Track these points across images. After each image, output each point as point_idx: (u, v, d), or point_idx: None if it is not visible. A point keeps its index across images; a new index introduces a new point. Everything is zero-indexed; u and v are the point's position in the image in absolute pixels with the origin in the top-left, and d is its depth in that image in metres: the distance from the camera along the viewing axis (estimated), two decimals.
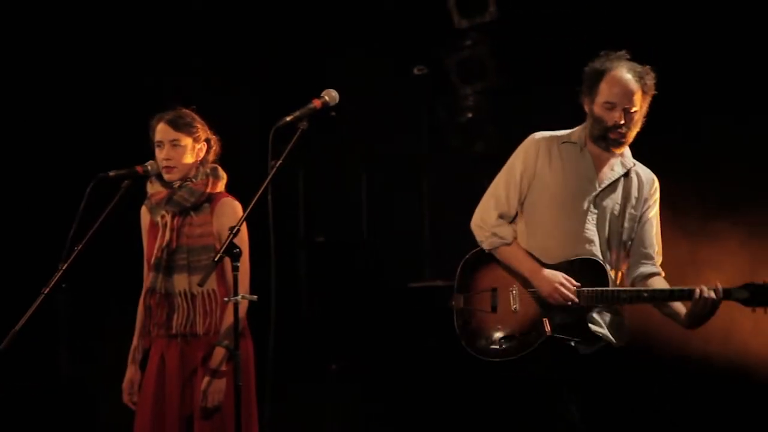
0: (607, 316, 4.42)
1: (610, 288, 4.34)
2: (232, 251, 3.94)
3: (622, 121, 4.35)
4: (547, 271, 4.40)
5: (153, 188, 4.71)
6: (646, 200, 4.49)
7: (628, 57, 4.42)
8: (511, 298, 4.49)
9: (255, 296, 4.19)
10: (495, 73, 6.64)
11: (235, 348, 4.14)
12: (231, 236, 3.90)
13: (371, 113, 6.83)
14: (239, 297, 4.05)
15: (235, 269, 3.99)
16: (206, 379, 4.53)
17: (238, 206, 4.66)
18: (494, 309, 4.50)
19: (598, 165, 4.48)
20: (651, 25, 6.02)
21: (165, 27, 6.76)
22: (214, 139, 4.75)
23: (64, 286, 4.23)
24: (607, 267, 4.38)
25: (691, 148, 6.05)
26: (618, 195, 4.46)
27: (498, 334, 4.47)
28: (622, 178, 4.47)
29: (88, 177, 4.42)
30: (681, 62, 5.81)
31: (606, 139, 4.40)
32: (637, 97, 4.36)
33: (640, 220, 4.48)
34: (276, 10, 6.83)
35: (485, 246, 4.55)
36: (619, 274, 4.50)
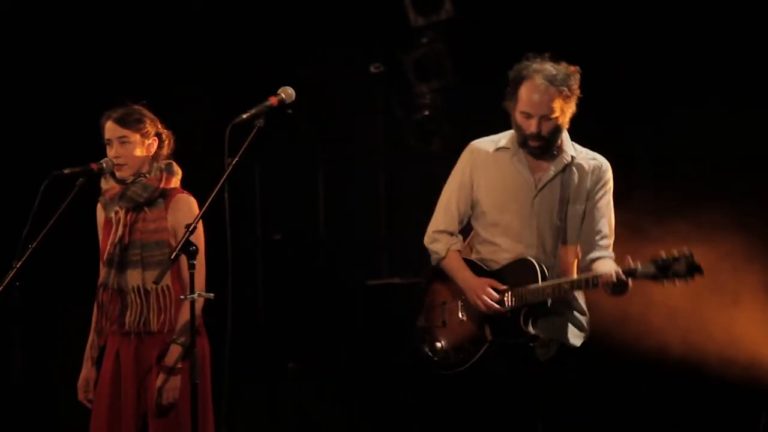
0: (556, 318, 4.44)
1: (535, 285, 4.34)
2: (189, 249, 3.94)
3: (538, 131, 4.35)
4: (475, 280, 4.46)
5: (107, 184, 4.69)
6: (591, 191, 4.48)
7: (553, 58, 4.39)
8: (459, 310, 4.54)
9: (212, 294, 4.19)
10: (451, 71, 6.66)
11: (191, 346, 4.13)
12: (187, 234, 3.90)
13: (328, 111, 6.83)
14: (195, 295, 4.04)
15: (191, 267, 4.00)
16: (161, 376, 4.52)
17: (193, 202, 4.65)
18: (444, 323, 4.58)
19: (534, 166, 4.48)
20: (607, 21, 6.05)
21: (119, 23, 6.72)
22: (165, 133, 4.73)
23: (18, 284, 4.20)
24: (538, 264, 4.37)
25: (652, 147, 6.09)
26: (556, 193, 4.45)
27: (448, 346, 4.55)
28: (560, 176, 4.46)
29: (42, 175, 4.39)
30: (643, 59, 5.86)
31: (527, 146, 4.42)
32: (557, 104, 4.33)
33: (585, 212, 4.47)
34: (232, 6, 6.81)
35: (432, 263, 4.64)
36: (570, 260, 4.51)
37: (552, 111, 4.33)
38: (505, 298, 4.39)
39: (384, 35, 6.78)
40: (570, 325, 4.48)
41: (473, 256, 4.59)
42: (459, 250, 4.59)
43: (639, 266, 4.17)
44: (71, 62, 6.64)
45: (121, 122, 4.62)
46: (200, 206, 4.11)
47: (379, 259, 7.09)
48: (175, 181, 4.71)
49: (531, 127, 4.35)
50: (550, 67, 4.35)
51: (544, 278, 4.35)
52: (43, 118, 6.60)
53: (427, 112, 6.77)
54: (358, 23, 6.68)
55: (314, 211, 7.08)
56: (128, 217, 4.63)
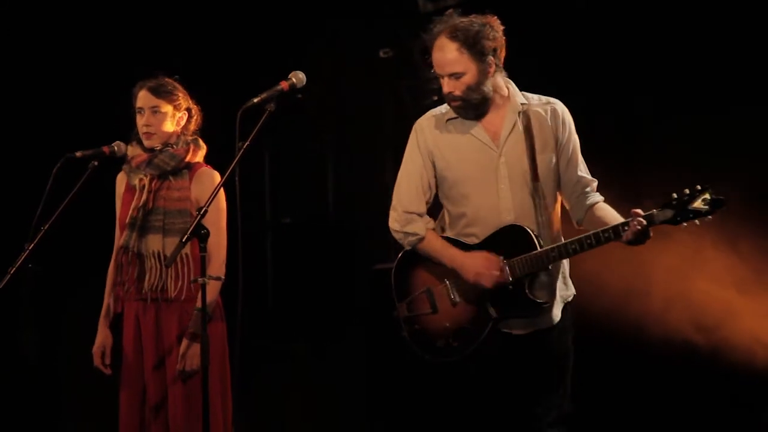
0: (553, 280, 4.26)
1: (537, 251, 4.12)
2: (200, 232, 3.94)
3: (450, 90, 4.17)
4: (467, 256, 4.22)
5: (134, 151, 4.74)
6: (555, 135, 4.24)
7: (464, 12, 4.20)
8: (448, 292, 4.29)
9: (221, 277, 4.21)
10: None
11: (203, 330, 4.14)
12: (199, 217, 3.91)
13: (337, 95, 6.85)
14: (206, 278, 4.04)
15: (203, 250, 4.00)
16: (184, 342, 4.56)
17: (217, 176, 4.70)
18: (435, 309, 4.32)
19: (488, 126, 4.27)
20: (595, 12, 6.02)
21: (130, 9, 6.75)
22: (195, 109, 4.80)
23: (30, 266, 4.25)
24: (530, 229, 4.16)
25: (627, 135, 6.04)
26: (521, 147, 4.23)
27: (447, 332, 4.29)
28: (519, 125, 4.23)
29: (55, 157, 4.43)
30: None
31: (452, 108, 4.24)
32: (460, 59, 4.13)
33: (560, 160, 4.25)
34: None
35: (406, 246, 4.38)
36: (555, 217, 4.31)
37: (455, 67, 4.14)
38: (504, 270, 4.16)
39: (393, 20, 6.79)
40: (562, 285, 4.31)
41: (448, 234, 4.35)
42: (434, 230, 4.37)
43: (655, 211, 3.93)
44: (84, 45, 6.67)
45: (155, 92, 4.68)
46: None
47: (387, 243, 7.10)
48: (200, 155, 4.78)
49: (444, 88, 4.19)
50: (453, 22, 4.17)
51: (539, 242, 4.13)
52: (58, 102, 6.63)
53: (435, 98, 6.78)
54: (367, 8, 6.70)
55: (324, 196, 7.10)
56: (153, 184, 4.69)
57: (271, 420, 6.64)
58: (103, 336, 4.75)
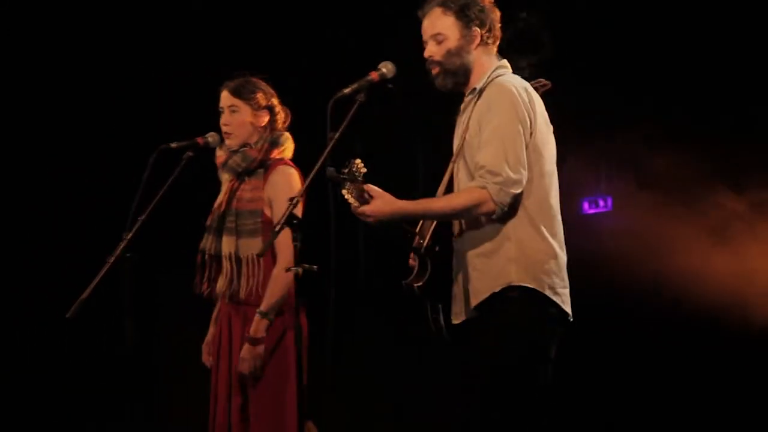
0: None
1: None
2: (292, 222, 3.90)
3: (430, 54, 4.09)
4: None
5: (218, 153, 4.81)
6: (480, 115, 4.02)
7: None
8: None
9: (315, 266, 4.23)
10: (550, 45, 6.62)
11: (296, 320, 4.17)
12: (291, 207, 3.86)
13: (427, 86, 6.84)
14: (299, 268, 3.95)
15: (295, 239, 3.92)
16: (245, 346, 4.61)
17: (293, 173, 4.71)
18: None
19: (463, 105, 4.19)
20: None
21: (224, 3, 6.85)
22: (279, 107, 4.81)
23: (128, 255, 4.32)
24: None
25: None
26: (464, 123, 4.10)
27: None
28: (473, 103, 4.09)
29: (151, 149, 4.52)
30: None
31: (432, 77, 4.14)
32: (444, 21, 4.07)
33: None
34: None
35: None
36: None
37: (436, 27, 4.07)
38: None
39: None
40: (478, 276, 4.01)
41: None
42: None
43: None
44: (179, 37, 6.78)
45: (234, 92, 4.74)
46: (305, 179, 4.16)
47: None
48: (279, 153, 4.78)
49: (425, 53, 4.11)
50: None
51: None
52: (153, 94, 6.75)
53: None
54: None
55: (414, 186, 7.11)
56: (230, 185, 4.75)
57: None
58: (209, 333, 4.88)
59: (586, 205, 7.01)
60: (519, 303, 3.93)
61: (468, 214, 3.95)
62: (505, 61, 4.22)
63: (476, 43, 4.10)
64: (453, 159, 4.13)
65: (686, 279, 5.93)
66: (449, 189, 4.12)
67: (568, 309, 4.02)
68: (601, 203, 6.94)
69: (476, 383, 3.92)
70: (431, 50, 4.10)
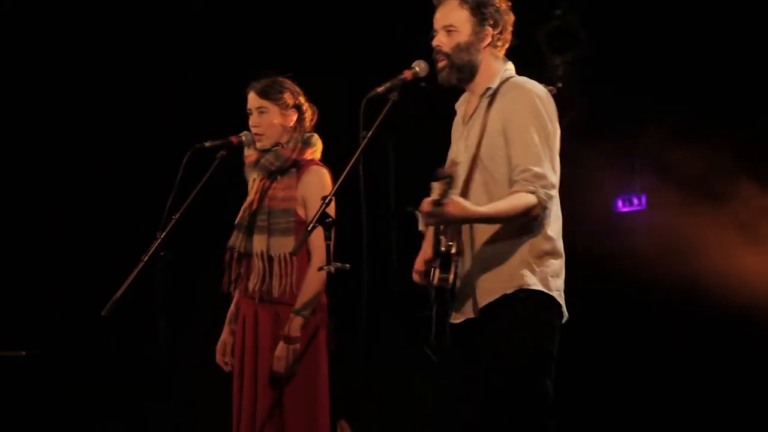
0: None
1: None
2: (325, 220, 3.91)
3: (439, 43, 4.03)
4: None
5: (248, 152, 4.81)
6: (504, 117, 3.96)
7: None
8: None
9: (347, 265, 4.22)
10: (585, 42, 6.60)
11: (327, 317, 4.17)
12: (323, 206, 3.88)
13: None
14: (331, 267, 3.98)
15: (327, 238, 3.95)
16: (280, 345, 4.60)
17: (325, 174, 4.72)
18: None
19: (468, 106, 4.14)
20: None
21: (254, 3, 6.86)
22: (306, 106, 4.81)
23: (162, 254, 4.33)
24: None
25: None
26: (478, 125, 4.02)
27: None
28: (485, 106, 4.03)
29: (184, 147, 4.53)
30: None
31: (438, 68, 4.06)
32: (459, 13, 4.01)
33: (506, 142, 3.96)
34: None
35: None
36: None
37: (449, 18, 4.01)
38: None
39: (515, 7, 6.76)
40: (490, 277, 3.97)
41: None
42: None
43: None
44: (211, 37, 6.79)
45: (261, 93, 4.74)
46: (335, 180, 4.15)
47: None
48: (311, 153, 4.79)
49: (434, 41, 4.04)
50: None
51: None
52: (186, 93, 6.77)
53: (560, 85, 6.72)
54: None
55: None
56: (261, 184, 4.75)
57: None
58: (224, 333, 4.85)
59: (620, 203, 6.97)
60: (528, 304, 3.92)
61: (520, 219, 3.90)
62: (511, 64, 4.18)
63: (486, 43, 4.07)
64: (472, 157, 4.02)
65: (721, 277, 5.88)
66: (466, 187, 4.03)
67: (565, 309, 4.03)
68: (635, 201, 6.89)
69: (484, 384, 3.91)
70: (441, 40, 4.05)
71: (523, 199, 3.84)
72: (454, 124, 4.29)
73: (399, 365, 6.74)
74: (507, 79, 4.07)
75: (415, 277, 4.17)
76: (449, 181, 3.71)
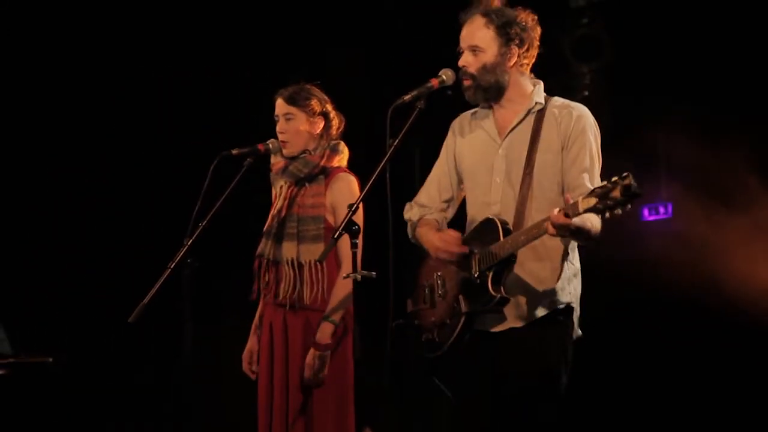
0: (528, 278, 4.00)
1: (495, 243, 3.89)
2: (351, 228, 3.93)
3: (465, 64, 4.03)
4: (435, 235, 4.09)
5: (274, 159, 4.83)
6: (563, 137, 4.01)
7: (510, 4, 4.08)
8: (438, 285, 4.13)
9: (373, 273, 4.22)
10: (611, 50, 6.59)
11: (354, 324, 4.18)
12: (350, 213, 3.89)
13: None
14: (357, 274, 3.98)
15: (354, 246, 3.97)
16: (312, 351, 4.60)
17: (353, 181, 4.73)
18: (431, 303, 4.15)
19: (500, 120, 4.13)
20: None
21: (279, 10, 6.89)
22: (334, 114, 4.82)
23: (189, 261, 4.35)
24: (498, 220, 3.92)
25: None
26: (523, 144, 4.03)
27: (433, 326, 4.11)
28: (528, 122, 4.06)
29: (212, 155, 4.55)
30: None
31: (463, 87, 4.07)
32: (484, 33, 4.02)
33: (564, 162, 4.00)
34: None
35: (408, 235, 4.30)
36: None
37: (475, 39, 4.01)
38: (472, 263, 3.96)
39: (541, 16, 6.76)
40: (540, 291, 4.00)
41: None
42: (437, 220, 4.24)
43: (580, 199, 3.60)
44: (238, 44, 6.82)
45: (289, 100, 4.76)
46: (362, 187, 4.16)
47: None
48: (339, 160, 4.80)
49: (460, 60, 4.04)
50: (491, 6, 4.06)
51: (507, 234, 3.90)
52: (214, 101, 6.80)
53: (586, 93, 6.71)
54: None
55: None
56: (289, 191, 4.75)
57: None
58: (251, 342, 4.85)
59: (646, 212, 6.97)
60: (565, 318, 4.05)
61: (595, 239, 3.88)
62: (540, 82, 4.20)
63: (512, 63, 4.08)
64: (525, 172, 4.02)
65: (747, 285, 5.87)
66: (520, 199, 4.01)
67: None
68: (662, 210, 6.88)
69: (519, 390, 3.98)
70: (467, 60, 4.06)
71: (598, 223, 3.84)
72: (466, 134, 4.24)
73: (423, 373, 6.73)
74: (552, 98, 4.13)
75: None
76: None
